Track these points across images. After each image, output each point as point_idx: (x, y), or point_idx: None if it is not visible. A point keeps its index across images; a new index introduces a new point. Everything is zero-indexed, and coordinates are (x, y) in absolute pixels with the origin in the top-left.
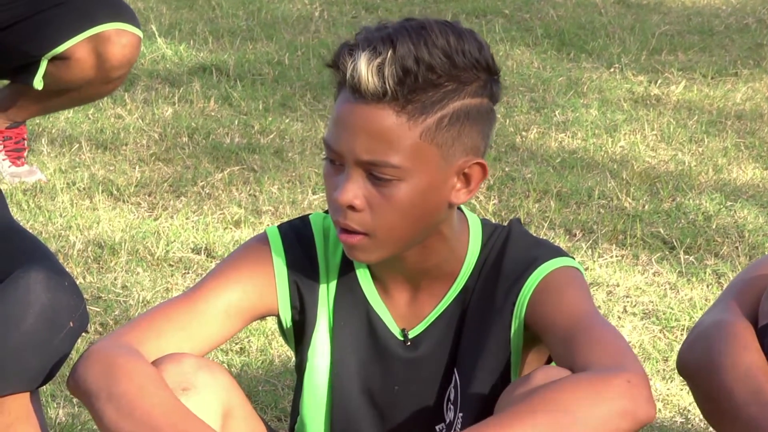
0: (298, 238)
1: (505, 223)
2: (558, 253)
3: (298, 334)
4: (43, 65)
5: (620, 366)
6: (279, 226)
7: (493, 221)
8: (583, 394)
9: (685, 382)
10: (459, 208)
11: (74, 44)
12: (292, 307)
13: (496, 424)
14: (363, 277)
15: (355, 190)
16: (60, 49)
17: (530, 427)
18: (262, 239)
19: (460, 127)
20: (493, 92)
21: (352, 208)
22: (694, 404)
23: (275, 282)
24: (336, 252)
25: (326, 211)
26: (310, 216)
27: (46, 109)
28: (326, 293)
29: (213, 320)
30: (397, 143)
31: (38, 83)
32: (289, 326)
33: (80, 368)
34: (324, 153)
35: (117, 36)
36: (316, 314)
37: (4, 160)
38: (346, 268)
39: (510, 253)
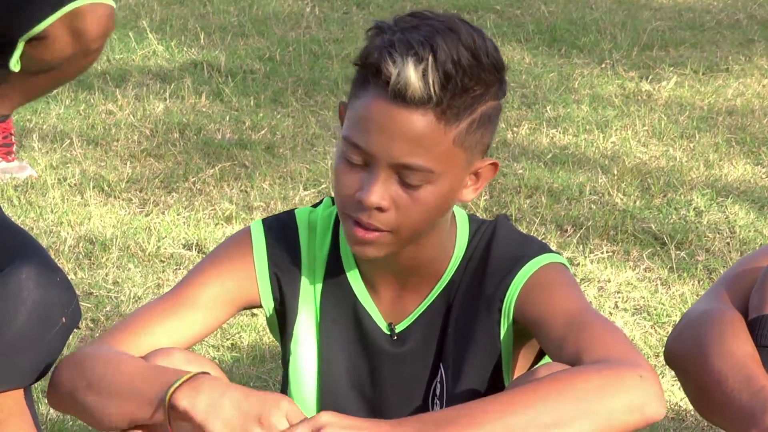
0: (281, 231)
1: (491, 218)
2: (545, 249)
3: (281, 326)
4: (20, 47)
5: (631, 361)
6: (263, 219)
7: (484, 217)
8: (594, 384)
9: (674, 373)
10: None
11: (50, 23)
12: (274, 299)
13: (504, 400)
14: (350, 272)
15: (383, 192)
16: (36, 30)
17: (538, 408)
18: (245, 232)
19: (483, 130)
20: (505, 92)
21: (378, 208)
22: (686, 399)
23: (255, 273)
24: (323, 246)
25: (314, 206)
26: (296, 210)
27: (28, 93)
28: (310, 287)
29: (198, 313)
30: (433, 148)
31: (15, 65)
32: (272, 317)
33: (54, 376)
34: (343, 150)
35: (92, 10)
36: (297, 307)
37: None
38: (333, 263)
39: (497, 248)
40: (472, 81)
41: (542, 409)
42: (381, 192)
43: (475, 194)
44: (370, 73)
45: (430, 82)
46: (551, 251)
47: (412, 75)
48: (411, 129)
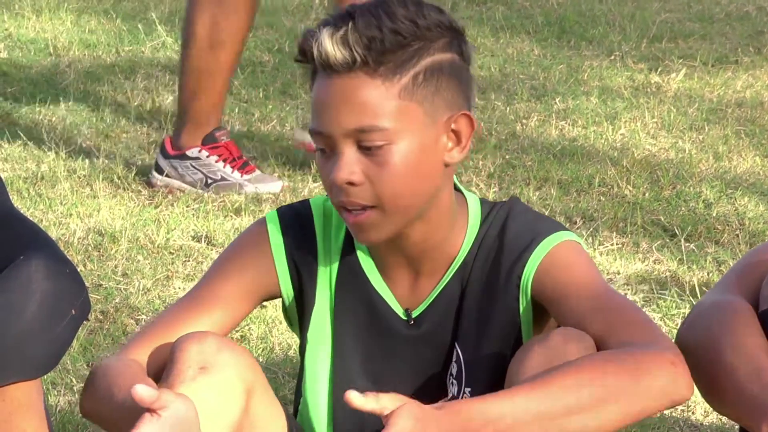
0: (296, 220)
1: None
2: (560, 227)
3: (300, 315)
4: None
5: (661, 345)
6: (278, 209)
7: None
8: (627, 368)
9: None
10: (458, 189)
11: None
12: (293, 288)
13: (540, 385)
14: (364, 259)
15: (350, 166)
16: None
17: (572, 392)
18: (261, 222)
19: (437, 82)
20: (462, 50)
21: (350, 184)
22: (696, 391)
23: (274, 263)
24: (338, 234)
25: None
26: (310, 199)
27: None
28: (327, 274)
29: (220, 310)
30: (378, 107)
31: None
32: (291, 307)
33: (83, 396)
34: (313, 144)
35: None
36: (315, 295)
37: (232, 171)
38: (348, 251)
39: (512, 227)
40: (407, 38)
41: (575, 393)
42: (348, 166)
43: (462, 154)
44: (303, 60)
45: (351, 44)
46: (566, 229)
47: (327, 42)
48: (349, 95)
